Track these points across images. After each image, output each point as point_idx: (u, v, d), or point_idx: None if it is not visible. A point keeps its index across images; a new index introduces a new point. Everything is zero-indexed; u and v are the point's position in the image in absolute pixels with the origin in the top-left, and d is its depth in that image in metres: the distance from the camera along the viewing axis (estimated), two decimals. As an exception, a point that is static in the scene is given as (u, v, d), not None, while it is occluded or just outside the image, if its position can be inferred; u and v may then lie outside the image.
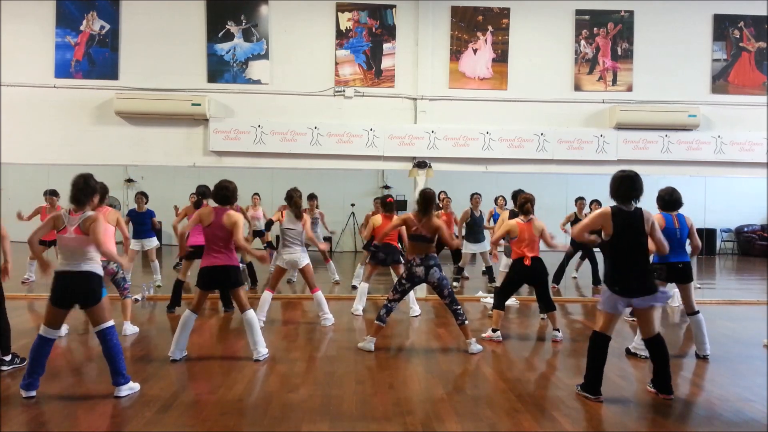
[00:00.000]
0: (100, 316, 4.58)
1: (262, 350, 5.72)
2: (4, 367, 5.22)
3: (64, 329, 6.47)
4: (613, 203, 4.72)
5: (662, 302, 4.72)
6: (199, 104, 8.99)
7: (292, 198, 7.21)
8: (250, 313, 5.71)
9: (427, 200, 6.13)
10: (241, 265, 9.66)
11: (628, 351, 6.15)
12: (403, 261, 7.64)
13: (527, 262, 6.63)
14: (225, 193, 5.67)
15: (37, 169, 10.68)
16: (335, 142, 9.33)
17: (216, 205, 5.72)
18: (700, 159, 9.60)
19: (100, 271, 4.63)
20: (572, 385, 5.15)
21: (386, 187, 17.34)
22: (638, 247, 4.61)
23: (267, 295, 7.19)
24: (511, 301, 8.91)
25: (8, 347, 5.30)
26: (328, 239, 13.57)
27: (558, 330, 6.77)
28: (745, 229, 16.96)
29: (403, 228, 6.56)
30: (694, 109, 9.47)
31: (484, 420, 4.26)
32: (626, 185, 4.62)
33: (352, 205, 15.83)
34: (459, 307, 6.14)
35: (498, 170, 9.84)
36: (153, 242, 9.84)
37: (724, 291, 10.55)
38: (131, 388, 4.68)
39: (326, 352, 6.16)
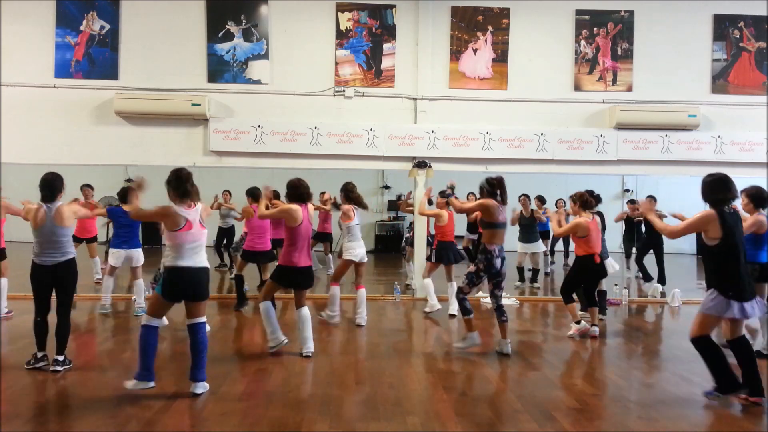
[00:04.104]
0: (202, 309, 4.77)
1: (309, 346, 5.85)
2: (58, 368, 5.10)
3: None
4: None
5: (752, 313, 4.48)
6: (199, 104, 8.98)
7: (351, 192, 7.29)
8: (304, 310, 5.89)
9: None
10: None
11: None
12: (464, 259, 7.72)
13: (597, 260, 6.68)
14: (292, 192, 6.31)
15: (37, 169, 10.65)
16: (335, 142, 9.33)
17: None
18: (700, 159, 9.56)
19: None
20: (573, 385, 5.15)
21: (386, 187, 17.33)
22: (742, 250, 4.58)
23: (335, 290, 7.30)
24: (511, 302, 8.91)
25: (64, 347, 5.20)
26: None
27: (596, 325, 6.79)
28: (745, 229, 16.96)
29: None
30: (694, 109, 9.46)
31: (484, 420, 4.26)
32: (727, 186, 4.53)
33: (352, 204, 15.82)
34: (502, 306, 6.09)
35: (498, 170, 9.81)
36: None
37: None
38: (204, 386, 4.72)
39: (327, 351, 6.16)
